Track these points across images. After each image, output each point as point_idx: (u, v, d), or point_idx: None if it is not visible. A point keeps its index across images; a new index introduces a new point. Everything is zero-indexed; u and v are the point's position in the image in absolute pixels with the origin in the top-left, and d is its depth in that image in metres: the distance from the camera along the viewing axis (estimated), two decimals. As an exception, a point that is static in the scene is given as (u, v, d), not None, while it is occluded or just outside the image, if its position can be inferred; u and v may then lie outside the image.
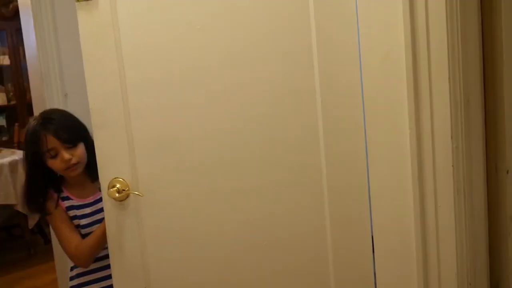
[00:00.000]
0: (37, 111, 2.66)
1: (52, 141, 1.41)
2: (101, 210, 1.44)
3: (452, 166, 1.04)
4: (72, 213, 1.49)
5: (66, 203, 1.50)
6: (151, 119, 1.31)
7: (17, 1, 2.81)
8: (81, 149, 1.46)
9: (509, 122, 1.09)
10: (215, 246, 1.33)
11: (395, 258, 1.13)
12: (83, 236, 1.48)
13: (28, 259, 3.52)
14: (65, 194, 1.51)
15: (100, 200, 1.42)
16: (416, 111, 1.05)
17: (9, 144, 4.39)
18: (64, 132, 1.43)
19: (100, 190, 1.36)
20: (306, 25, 1.15)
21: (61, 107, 2.22)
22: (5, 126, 5.18)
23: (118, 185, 1.33)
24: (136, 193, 1.32)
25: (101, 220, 1.42)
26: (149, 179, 1.34)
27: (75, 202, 1.50)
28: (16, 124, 4.37)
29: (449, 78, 1.01)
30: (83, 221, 1.49)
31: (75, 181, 1.52)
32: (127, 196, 1.34)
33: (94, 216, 1.51)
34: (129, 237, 1.37)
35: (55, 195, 1.50)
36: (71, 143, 1.43)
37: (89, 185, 1.53)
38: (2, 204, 3.30)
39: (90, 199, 1.52)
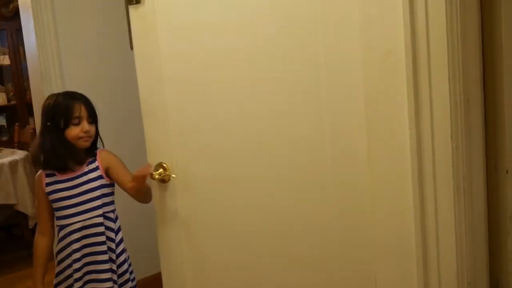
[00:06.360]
0: (37, 111, 2.67)
1: (81, 110, 1.64)
2: (81, 184, 1.66)
3: (452, 166, 1.04)
4: (53, 187, 1.67)
5: (48, 180, 1.68)
6: (185, 112, 1.46)
7: (17, 1, 2.81)
8: (94, 128, 1.68)
9: (509, 122, 1.09)
10: (241, 229, 1.41)
11: (395, 258, 1.13)
12: (63, 208, 1.66)
13: (28, 259, 3.50)
14: (49, 171, 1.68)
15: (82, 175, 1.66)
16: (416, 111, 1.05)
17: (9, 144, 4.37)
18: (90, 107, 1.67)
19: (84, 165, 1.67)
20: (313, 25, 1.16)
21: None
22: (5, 126, 5.18)
23: (160, 169, 1.51)
24: (173, 175, 1.50)
25: (81, 193, 1.65)
26: (184, 165, 1.49)
27: (58, 177, 1.67)
28: (16, 124, 4.34)
29: (449, 78, 1.01)
30: (65, 193, 1.66)
31: None
32: (169, 178, 1.51)
33: (75, 190, 1.66)
34: (170, 216, 1.56)
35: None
36: (92, 119, 1.67)
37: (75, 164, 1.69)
38: (2, 204, 3.29)
39: (72, 175, 1.67)
